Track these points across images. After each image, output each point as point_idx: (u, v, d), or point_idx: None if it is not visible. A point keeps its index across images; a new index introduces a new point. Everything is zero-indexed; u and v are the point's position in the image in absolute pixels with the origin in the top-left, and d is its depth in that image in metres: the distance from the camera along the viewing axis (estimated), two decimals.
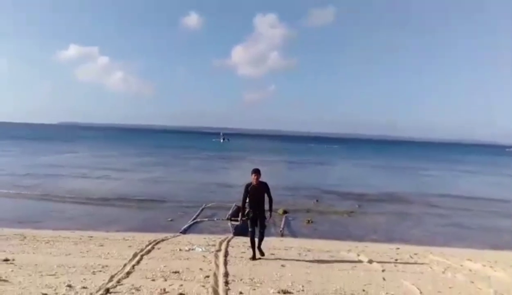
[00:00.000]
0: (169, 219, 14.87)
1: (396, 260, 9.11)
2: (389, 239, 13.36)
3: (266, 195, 8.19)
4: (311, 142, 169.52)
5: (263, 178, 8.24)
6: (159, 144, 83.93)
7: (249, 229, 8.30)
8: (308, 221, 15.46)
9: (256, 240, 8.33)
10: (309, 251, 9.68)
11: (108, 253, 8.24)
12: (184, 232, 12.86)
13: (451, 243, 13.05)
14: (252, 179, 8.07)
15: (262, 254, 8.41)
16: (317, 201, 20.69)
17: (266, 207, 8.33)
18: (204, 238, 11.03)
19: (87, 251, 8.43)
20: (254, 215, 8.13)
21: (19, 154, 43.29)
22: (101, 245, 9.16)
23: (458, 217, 18.28)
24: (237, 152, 67.20)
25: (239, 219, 8.50)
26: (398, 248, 10.96)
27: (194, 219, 14.67)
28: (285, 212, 16.49)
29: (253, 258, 8.22)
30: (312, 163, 51.45)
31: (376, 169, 45.70)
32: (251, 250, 8.40)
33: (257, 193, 8.06)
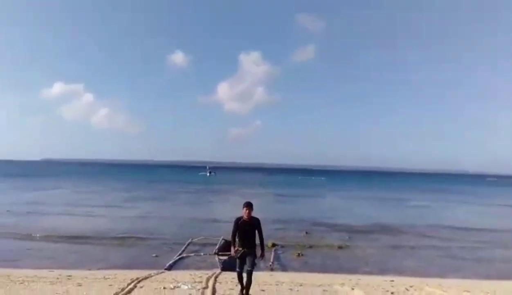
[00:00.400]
0: (154, 255, 14.25)
1: (392, 293, 8.71)
2: (382, 271, 12.95)
3: (256, 232, 7.46)
4: (298, 174, 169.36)
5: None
6: (145, 179, 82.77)
7: (237, 269, 7.48)
8: (298, 254, 14.99)
9: (244, 278, 7.45)
10: (301, 286, 9.23)
11: (86, 294, 7.68)
12: (169, 268, 12.26)
13: (446, 274, 12.68)
14: (243, 212, 7.30)
15: None
16: (306, 233, 20.24)
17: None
18: (190, 274, 10.48)
19: (64, 292, 7.82)
20: (243, 253, 7.30)
21: (0, 191, 42.01)
22: (80, 285, 8.57)
23: (450, 247, 17.97)
24: (224, 185, 66.52)
25: (231, 252, 7.45)
26: (392, 280, 10.57)
27: (180, 254, 14.07)
28: (274, 245, 15.99)
29: (241, 293, 7.53)
30: (300, 195, 51.06)
31: (364, 200, 45.47)
32: (239, 286, 7.74)
33: (248, 228, 7.32)
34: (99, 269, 11.95)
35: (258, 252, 7.44)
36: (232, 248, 7.48)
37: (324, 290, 8.76)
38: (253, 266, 7.40)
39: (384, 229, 22.89)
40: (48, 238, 16.98)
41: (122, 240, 17.08)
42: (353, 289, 8.91)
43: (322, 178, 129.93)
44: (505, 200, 53.07)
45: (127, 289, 8.07)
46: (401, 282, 10.32)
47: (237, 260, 7.44)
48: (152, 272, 11.06)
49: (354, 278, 10.90)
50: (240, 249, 7.30)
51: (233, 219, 7.48)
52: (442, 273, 12.92)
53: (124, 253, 14.74)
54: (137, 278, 9.41)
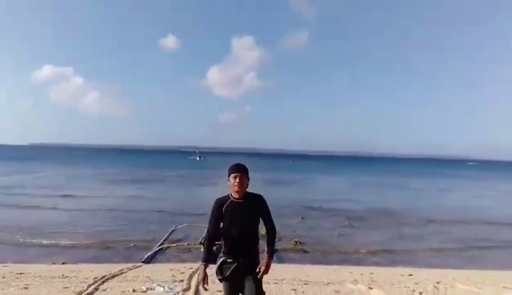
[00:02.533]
0: (131, 245, 12.40)
1: (421, 293, 7.02)
2: (394, 262, 11.34)
3: (261, 221, 3.88)
4: (288, 159, 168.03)
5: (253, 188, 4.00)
6: (132, 164, 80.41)
7: None
8: (296, 242, 13.27)
9: None
10: (306, 284, 7.50)
11: None
12: (148, 260, 10.47)
13: (465, 265, 11.10)
14: (231, 184, 3.80)
15: None
16: (302, 218, 18.57)
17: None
18: (171, 270, 8.71)
19: None
20: (234, 269, 3.72)
21: None
22: (26, 288, 6.72)
23: (460, 232, 16.46)
24: (214, 170, 64.52)
25: (199, 276, 3.79)
26: (411, 275, 8.89)
27: (161, 244, 12.21)
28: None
29: None
30: (292, 179, 49.36)
31: (358, 184, 43.89)
32: None
33: (242, 216, 3.73)
34: (63, 263, 10.11)
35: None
36: (201, 269, 3.74)
37: (335, 291, 7.03)
38: None
39: (385, 214, 21.27)
40: (13, 228, 14.94)
41: (96, 227, 15.15)
42: (371, 288, 7.20)
43: (314, 163, 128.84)
44: (494, 183, 52.58)
45: (84, 294, 6.26)
46: (422, 276, 8.65)
47: (225, 285, 3.78)
48: (126, 266, 9.29)
49: (365, 271, 9.21)
50: (229, 260, 3.73)
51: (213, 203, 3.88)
52: (461, 263, 11.34)
53: (97, 242, 12.77)
54: (103, 276, 7.59)
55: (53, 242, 12.64)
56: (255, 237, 3.82)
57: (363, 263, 10.93)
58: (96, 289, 6.61)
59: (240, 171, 3.81)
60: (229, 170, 3.86)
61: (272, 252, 3.86)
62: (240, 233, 3.72)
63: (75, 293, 6.28)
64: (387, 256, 12.13)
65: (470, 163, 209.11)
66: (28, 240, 12.70)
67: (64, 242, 12.68)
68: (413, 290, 7.16)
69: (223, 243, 3.79)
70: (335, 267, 10.15)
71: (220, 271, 3.74)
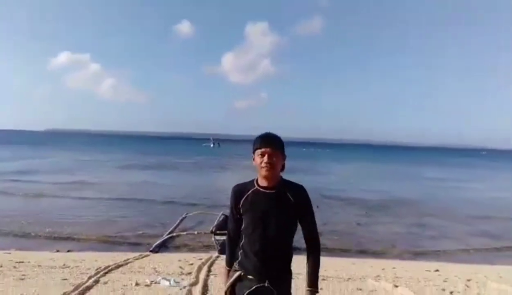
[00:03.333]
0: (140, 232, 11.95)
1: (451, 293, 6.36)
2: (416, 255, 10.74)
3: (299, 226, 2.50)
4: (302, 147, 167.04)
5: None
6: (147, 150, 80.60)
7: None
8: None
9: None
10: (324, 280, 6.87)
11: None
12: (156, 250, 9.99)
13: (494, 260, 10.37)
14: (256, 164, 2.44)
15: None
16: (317, 207, 17.92)
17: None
18: (179, 260, 8.19)
19: None
20: (254, 292, 2.34)
21: None
22: (22, 279, 6.23)
23: (484, 224, 15.65)
24: (228, 157, 64.24)
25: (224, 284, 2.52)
26: (437, 270, 8.22)
27: (170, 233, 11.71)
28: None
29: None
30: (307, 167, 48.60)
31: (374, 173, 43.15)
32: None
33: (271, 215, 2.38)
34: (68, 251, 9.71)
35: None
36: (223, 273, 2.59)
37: (357, 288, 6.40)
38: None
39: (403, 203, 20.56)
40: (19, 215, 14.60)
41: (105, 215, 14.74)
42: (396, 286, 6.56)
43: (328, 150, 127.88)
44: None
45: (82, 287, 5.73)
46: (450, 273, 7.97)
47: None
48: (133, 255, 8.83)
49: (386, 266, 8.58)
50: (249, 277, 2.38)
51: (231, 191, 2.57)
52: (487, 258, 10.64)
53: (104, 230, 12.33)
54: (106, 267, 7.09)
55: (59, 229, 12.17)
56: (288, 249, 2.49)
57: (384, 256, 10.33)
58: (97, 281, 6.09)
59: (272, 144, 2.43)
60: (255, 143, 2.47)
61: (317, 281, 2.48)
62: (266, 240, 2.37)
63: (73, 285, 5.76)
64: (408, 248, 11.46)
65: (483, 153, 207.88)
66: (33, 227, 12.26)
67: (70, 229, 12.22)
68: (443, 289, 6.49)
69: (241, 250, 2.46)
70: (354, 260, 9.54)
71: (233, 289, 2.45)
